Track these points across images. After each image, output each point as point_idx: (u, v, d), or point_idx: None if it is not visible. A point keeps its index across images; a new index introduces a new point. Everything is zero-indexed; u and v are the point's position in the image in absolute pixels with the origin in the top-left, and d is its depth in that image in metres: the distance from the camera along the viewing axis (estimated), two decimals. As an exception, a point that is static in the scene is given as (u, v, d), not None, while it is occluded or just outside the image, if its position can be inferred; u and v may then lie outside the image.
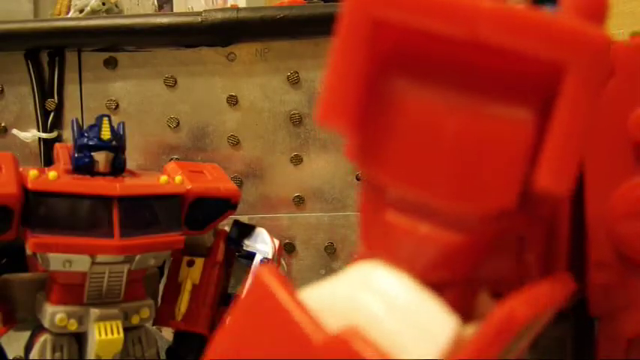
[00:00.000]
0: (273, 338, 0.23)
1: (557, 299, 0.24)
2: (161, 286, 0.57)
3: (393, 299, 0.22)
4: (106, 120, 0.50)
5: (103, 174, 0.50)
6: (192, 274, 0.56)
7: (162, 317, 0.55)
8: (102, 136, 0.49)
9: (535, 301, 0.22)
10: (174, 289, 0.56)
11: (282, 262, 0.62)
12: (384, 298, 0.22)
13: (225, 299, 0.58)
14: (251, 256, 0.58)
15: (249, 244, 0.59)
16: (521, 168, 0.21)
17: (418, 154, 0.22)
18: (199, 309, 0.55)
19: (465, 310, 0.23)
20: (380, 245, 0.24)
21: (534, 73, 0.21)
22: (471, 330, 0.22)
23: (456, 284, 0.24)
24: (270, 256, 0.57)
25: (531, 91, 0.22)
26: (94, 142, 0.49)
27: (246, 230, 0.59)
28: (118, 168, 0.51)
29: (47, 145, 0.70)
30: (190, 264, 0.57)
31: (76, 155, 0.50)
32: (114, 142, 0.50)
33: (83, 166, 0.49)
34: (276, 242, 0.59)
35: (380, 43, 0.22)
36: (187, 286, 0.56)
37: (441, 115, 0.22)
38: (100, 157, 0.49)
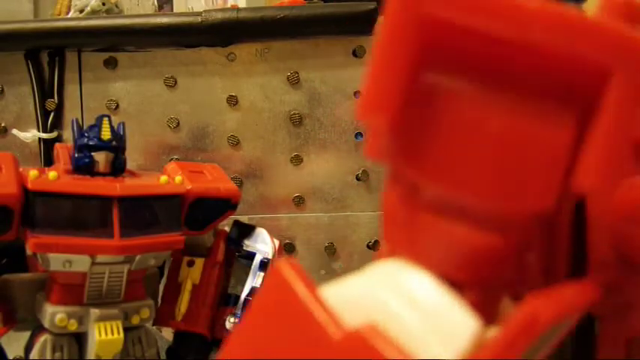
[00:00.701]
0: (290, 333, 0.22)
1: (580, 304, 0.23)
2: (161, 286, 0.57)
3: (415, 298, 0.22)
4: (106, 120, 0.50)
5: (103, 174, 0.50)
6: (193, 274, 0.56)
7: (163, 317, 0.55)
8: (102, 137, 0.49)
9: (559, 304, 0.21)
10: (174, 289, 0.56)
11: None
12: (406, 297, 0.22)
13: (225, 299, 0.58)
14: (251, 256, 0.58)
15: (249, 244, 0.59)
16: (561, 170, 0.21)
17: (458, 154, 0.22)
18: (199, 309, 0.55)
19: (486, 314, 0.23)
20: (407, 244, 0.24)
21: (577, 75, 0.21)
22: (492, 333, 0.22)
23: (477, 285, 0.24)
24: (270, 256, 0.57)
25: (573, 93, 0.22)
26: (94, 142, 0.49)
27: (246, 230, 0.59)
28: (118, 168, 0.51)
29: (47, 145, 0.70)
30: (190, 264, 0.57)
31: (76, 155, 0.50)
32: (114, 143, 0.50)
33: (83, 166, 0.49)
34: (276, 242, 0.59)
35: (424, 40, 0.22)
36: (187, 286, 0.56)
37: (484, 115, 0.22)
38: (100, 158, 0.49)
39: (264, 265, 0.57)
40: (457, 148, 0.22)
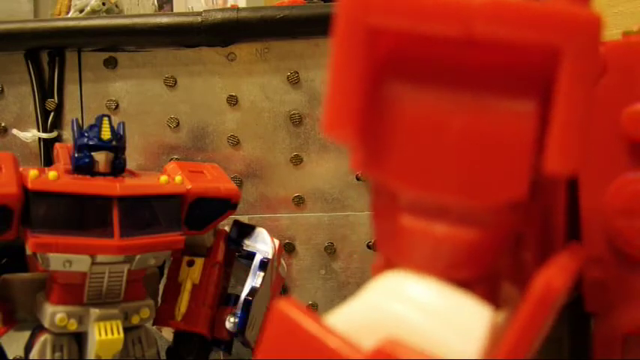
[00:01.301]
0: None
1: (578, 266, 0.24)
2: (161, 286, 0.57)
3: (423, 303, 0.22)
4: (106, 120, 0.50)
5: (103, 174, 0.50)
6: (192, 274, 0.56)
7: (162, 317, 0.55)
8: (102, 136, 0.49)
9: (564, 270, 0.22)
10: (174, 289, 0.56)
11: (282, 262, 0.63)
12: (414, 304, 0.22)
13: (225, 299, 0.58)
14: (251, 256, 0.58)
15: (249, 244, 0.59)
16: (529, 157, 0.22)
17: (426, 156, 0.23)
18: (199, 309, 0.55)
19: (493, 300, 0.24)
20: (399, 252, 0.24)
21: (531, 63, 0.22)
22: (502, 316, 0.23)
23: (484, 280, 0.24)
24: (270, 256, 0.57)
25: (530, 80, 0.22)
26: (93, 142, 0.49)
27: (246, 230, 0.59)
28: (118, 168, 0.51)
29: (47, 145, 0.70)
30: (190, 264, 0.57)
31: (76, 155, 0.50)
32: (114, 142, 0.50)
33: (83, 166, 0.49)
34: (276, 242, 0.59)
35: (376, 50, 0.22)
36: (187, 286, 0.56)
37: (445, 115, 0.22)
38: (100, 157, 0.49)
39: (264, 265, 0.57)
40: (424, 150, 0.23)
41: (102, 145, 0.49)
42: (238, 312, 0.55)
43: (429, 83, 0.23)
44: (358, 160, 0.24)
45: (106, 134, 0.49)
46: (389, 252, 0.25)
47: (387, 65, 0.23)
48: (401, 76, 0.23)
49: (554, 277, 0.21)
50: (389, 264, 0.25)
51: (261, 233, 0.59)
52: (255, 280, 0.56)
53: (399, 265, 0.24)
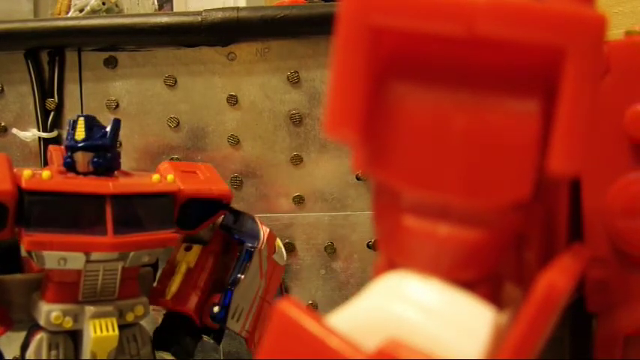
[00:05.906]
0: None
1: (581, 267, 0.24)
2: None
3: (425, 303, 0.22)
4: (81, 120, 0.50)
5: (85, 173, 0.50)
6: (188, 257, 0.57)
7: (154, 296, 0.55)
8: (75, 137, 0.50)
9: (568, 271, 0.22)
10: (169, 272, 0.57)
11: (280, 248, 0.62)
12: (416, 305, 0.22)
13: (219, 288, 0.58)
14: (243, 243, 0.58)
15: (238, 231, 0.58)
16: (532, 157, 0.22)
17: (429, 156, 0.22)
18: (190, 291, 0.56)
19: (496, 301, 0.23)
20: (401, 252, 0.24)
21: (534, 62, 0.22)
22: (505, 317, 0.23)
23: (487, 280, 0.24)
24: (256, 245, 0.57)
25: (533, 80, 0.22)
26: (69, 143, 0.50)
27: (236, 217, 0.59)
28: (101, 167, 0.50)
29: (47, 145, 0.70)
30: (188, 249, 0.58)
31: (64, 155, 0.50)
32: (89, 142, 0.49)
33: (68, 166, 0.50)
34: (266, 230, 0.59)
35: (379, 50, 0.22)
36: (182, 269, 0.56)
37: (447, 115, 0.22)
38: (78, 157, 0.50)
39: (249, 254, 0.57)
40: (427, 150, 0.23)
41: (75, 146, 0.50)
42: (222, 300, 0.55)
43: (431, 83, 0.22)
44: (360, 160, 0.24)
45: (79, 135, 0.50)
46: (391, 252, 0.25)
47: (390, 65, 0.23)
48: (403, 76, 0.23)
49: (557, 278, 0.21)
50: (391, 264, 0.25)
51: (249, 220, 0.59)
52: (239, 270, 0.56)
53: (401, 265, 0.24)
